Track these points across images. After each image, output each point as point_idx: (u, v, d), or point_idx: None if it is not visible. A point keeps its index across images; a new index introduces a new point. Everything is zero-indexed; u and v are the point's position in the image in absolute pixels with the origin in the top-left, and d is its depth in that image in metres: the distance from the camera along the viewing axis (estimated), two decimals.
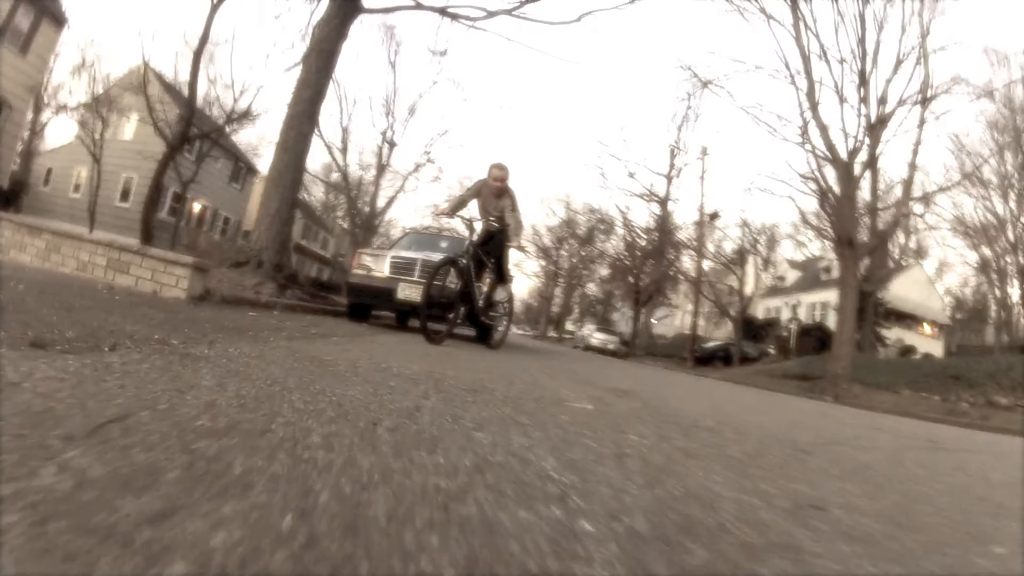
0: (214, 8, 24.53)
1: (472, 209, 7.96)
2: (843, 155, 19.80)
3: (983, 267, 41.27)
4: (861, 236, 20.99)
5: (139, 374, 1.92)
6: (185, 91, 26.72)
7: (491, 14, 15.19)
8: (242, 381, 2.13)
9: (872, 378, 19.26)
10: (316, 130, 14.29)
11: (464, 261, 7.33)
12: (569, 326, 65.80)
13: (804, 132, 20.43)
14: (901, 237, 38.37)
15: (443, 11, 15.31)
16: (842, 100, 19.87)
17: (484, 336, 8.84)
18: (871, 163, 20.39)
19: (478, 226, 7.95)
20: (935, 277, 49.17)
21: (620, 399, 4.07)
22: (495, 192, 7.71)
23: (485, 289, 7.98)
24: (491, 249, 7.85)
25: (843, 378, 18.34)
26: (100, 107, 30.67)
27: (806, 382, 20.49)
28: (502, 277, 8.20)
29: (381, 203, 39.42)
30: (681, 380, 10.87)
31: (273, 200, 11.75)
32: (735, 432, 3.37)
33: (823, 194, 20.72)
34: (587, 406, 3.26)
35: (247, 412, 1.65)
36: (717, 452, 2.50)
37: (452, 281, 7.60)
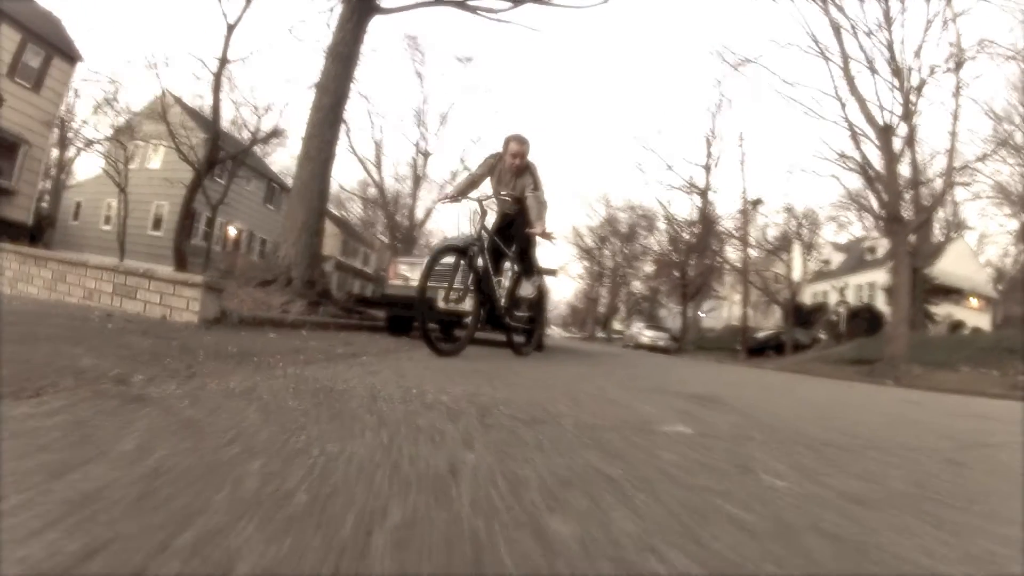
0: (230, 29, 24.43)
1: (484, 190, 6.69)
2: (882, 127, 19.21)
3: (1023, 235, 39.87)
4: (906, 212, 20.38)
5: (30, 435, 1.26)
6: (208, 115, 26.65)
7: (517, 2, 14.44)
8: (185, 440, 1.40)
9: (929, 357, 18.72)
10: (349, 143, 13.68)
11: (475, 248, 5.96)
12: (616, 325, 64.72)
13: (843, 108, 19.95)
14: (941, 211, 37.04)
15: (462, 4, 14.58)
16: (873, 72, 19.38)
17: (512, 341, 7.09)
18: (910, 135, 19.74)
19: (491, 206, 6.70)
20: (977, 248, 47.41)
21: (710, 411, 3.25)
22: (514, 169, 6.33)
23: (507, 284, 6.71)
24: (512, 236, 6.57)
25: (901, 359, 17.69)
26: (123, 138, 30.75)
27: (863, 366, 19.79)
28: (528, 269, 6.74)
29: (420, 214, 39.04)
30: (750, 376, 9.92)
31: (299, 213, 11.12)
32: (874, 449, 2.60)
33: (866, 171, 20.29)
34: (682, 429, 2.46)
35: (134, 517, 0.89)
36: (887, 490, 1.76)
37: (439, 268, 6.08)
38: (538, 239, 6.64)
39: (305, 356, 3.83)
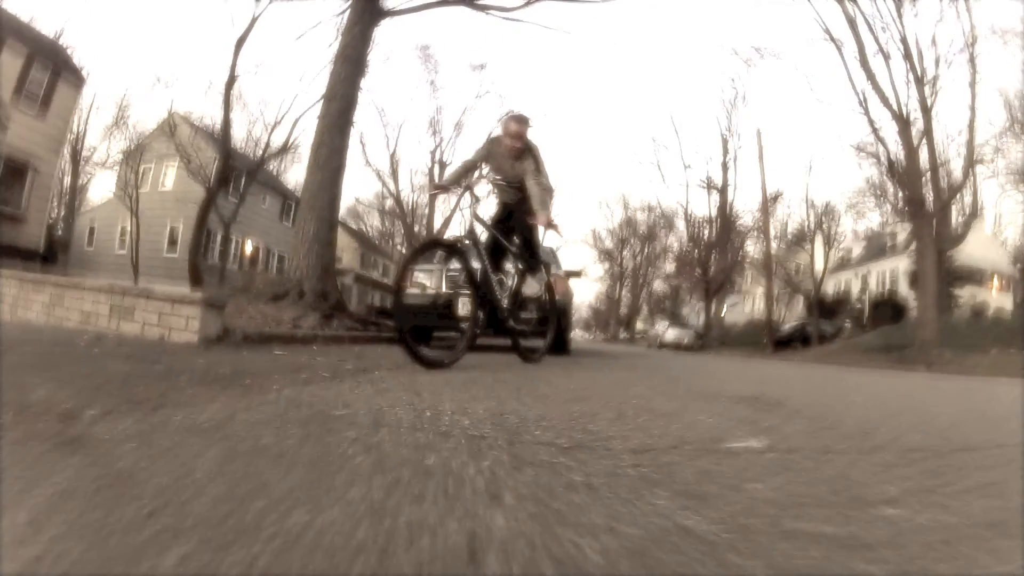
0: (239, 44, 24.32)
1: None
2: (901, 114, 19.44)
3: None
4: (927, 195, 20.63)
5: None
6: (218, 133, 26.55)
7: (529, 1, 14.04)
8: (94, 508, 1.00)
9: (957, 341, 18.63)
10: (364, 156, 13.31)
11: (466, 242, 5.23)
12: (639, 325, 64.21)
13: (862, 98, 20.31)
14: (961, 196, 36.70)
15: (472, 3, 14.17)
16: (887, 58, 19.65)
17: (519, 346, 6.04)
18: (927, 127, 19.83)
19: (493, 196, 6.10)
20: (995, 229, 46.55)
21: (771, 416, 2.77)
22: (512, 152, 5.57)
23: (511, 284, 5.88)
24: (513, 228, 5.88)
25: (932, 344, 17.68)
26: (134, 160, 30.87)
27: (892, 353, 19.64)
28: (532, 264, 5.93)
29: (438, 223, 38.75)
30: (790, 372, 9.34)
31: (309, 223, 10.71)
32: (969, 452, 2.17)
33: (888, 158, 20.60)
34: (754, 443, 2.01)
35: None
36: None
37: (453, 273, 5.48)
38: (545, 231, 5.92)
39: (308, 374, 3.41)
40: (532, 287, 5.93)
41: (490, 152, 5.77)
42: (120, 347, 4.27)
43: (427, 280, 7.84)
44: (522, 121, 5.56)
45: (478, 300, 5.33)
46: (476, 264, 5.41)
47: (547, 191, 5.71)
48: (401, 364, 4.49)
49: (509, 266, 6.03)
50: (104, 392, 2.27)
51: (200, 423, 1.79)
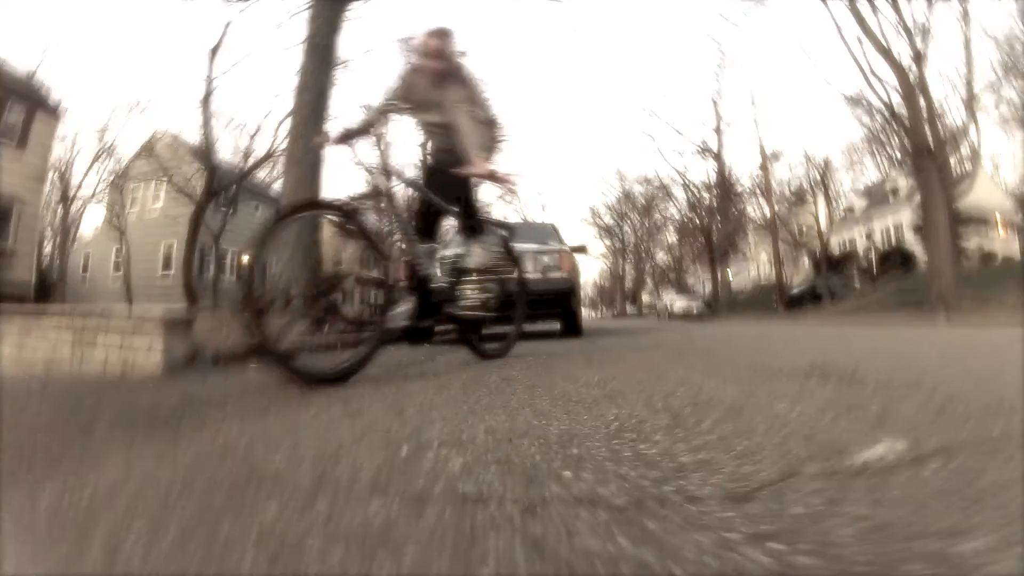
0: (213, 53, 23.54)
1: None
2: (897, 63, 19.27)
3: None
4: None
5: None
6: (203, 147, 25.82)
7: None
8: None
9: (972, 290, 18.30)
10: (353, 155, 12.58)
11: (366, 204, 3.75)
12: (645, 298, 63.56)
13: (859, 43, 19.85)
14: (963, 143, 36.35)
15: None
16: (875, 9, 19.37)
17: (468, 338, 4.61)
18: (921, 77, 19.64)
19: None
20: (993, 174, 45.74)
21: (868, 394, 2.09)
22: (432, 77, 4.05)
23: (448, 254, 4.66)
24: (446, 187, 4.21)
25: (950, 295, 17.33)
26: (120, 184, 30.56)
27: (909, 306, 19.51)
28: (471, 225, 4.38)
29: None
30: (826, 333, 8.53)
31: None
32: None
33: (890, 107, 20.18)
34: (895, 446, 1.32)
35: None
36: None
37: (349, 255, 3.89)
38: (482, 181, 4.27)
39: (271, 397, 2.73)
40: (476, 256, 4.36)
41: (409, 86, 4.19)
42: (51, 387, 3.66)
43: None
44: (443, 35, 4.07)
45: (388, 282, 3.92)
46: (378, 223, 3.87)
47: (488, 126, 4.25)
48: (392, 369, 3.83)
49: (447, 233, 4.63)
50: None
51: (42, 508, 1.13)
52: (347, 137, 4.14)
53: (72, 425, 2.23)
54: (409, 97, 4.21)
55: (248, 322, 2.95)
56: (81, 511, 1.12)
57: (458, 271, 4.40)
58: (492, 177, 4.12)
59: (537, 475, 1.23)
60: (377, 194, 3.89)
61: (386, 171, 4.18)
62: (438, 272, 4.34)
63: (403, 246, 3.86)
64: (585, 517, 0.97)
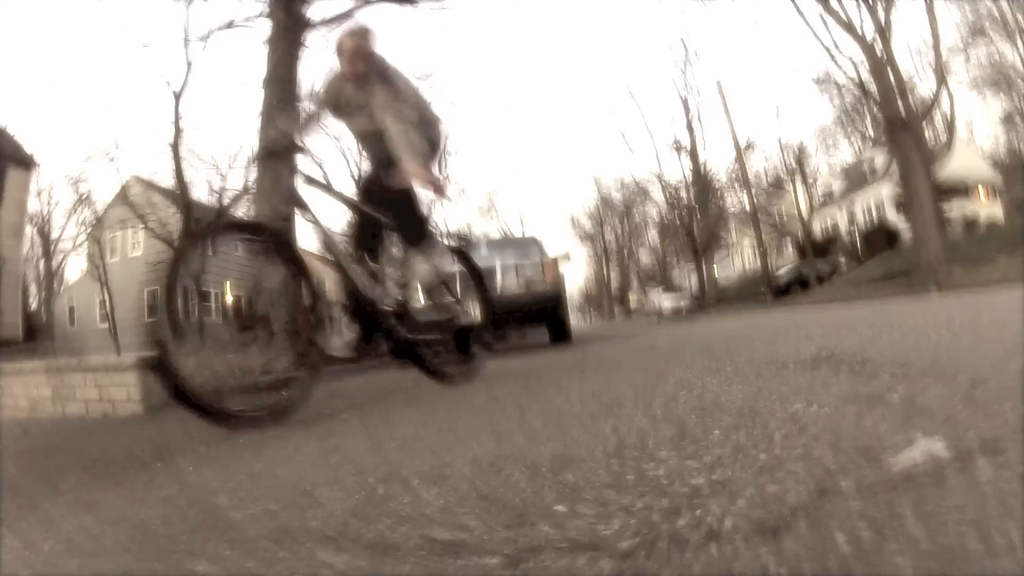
0: (177, 97, 23.38)
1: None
2: (862, 38, 19.55)
3: (1008, 119, 42.20)
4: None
5: None
6: (177, 189, 25.59)
7: None
8: None
9: (960, 257, 18.72)
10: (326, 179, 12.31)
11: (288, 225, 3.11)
12: (632, 299, 63.67)
13: (823, 21, 20.17)
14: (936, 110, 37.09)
15: None
16: None
17: (423, 361, 3.97)
18: (887, 50, 19.82)
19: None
20: (968, 139, 46.36)
21: (887, 384, 1.90)
22: (353, 77, 3.68)
23: (392, 272, 3.91)
24: (385, 200, 3.79)
25: (938, 263, 17.56)
26: (97, 233, 30.51)
27: (898, 280, 19.86)
28: (412, 236, 3.88)
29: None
30: (824, 317, 8.29)
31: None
32: None
33: (860, 83, 20.50)
34: (933, 448, 1.11)
35: None
36: None
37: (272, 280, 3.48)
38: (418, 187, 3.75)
39: (249, 435, 2.54)
40: (423, 269, 3.89)
41: (335, 93, 3.82)
42: (49, 432, 3.60)
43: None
44: (361, 34, 3.67)
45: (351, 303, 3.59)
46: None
47: (422, 128, 3.77)
48: (375, 399, 3.64)
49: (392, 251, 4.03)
50: None
51: None
52: (293, 148, 3.66)
53: (38, 475, 2.25)
54: (336, 104, 3.86)
55: (161, 359, 2.57)
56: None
57: (406, 289, 3.93)
58: (426, 181, 3.66)
59: (526, 512, 1.05)
60: (295, 207, 3.49)
61: (308, 179, 3.66)
62: (385, 293, 3.79)
63: (341, 267, 3.53)
64: (583, 568, 0.79)
